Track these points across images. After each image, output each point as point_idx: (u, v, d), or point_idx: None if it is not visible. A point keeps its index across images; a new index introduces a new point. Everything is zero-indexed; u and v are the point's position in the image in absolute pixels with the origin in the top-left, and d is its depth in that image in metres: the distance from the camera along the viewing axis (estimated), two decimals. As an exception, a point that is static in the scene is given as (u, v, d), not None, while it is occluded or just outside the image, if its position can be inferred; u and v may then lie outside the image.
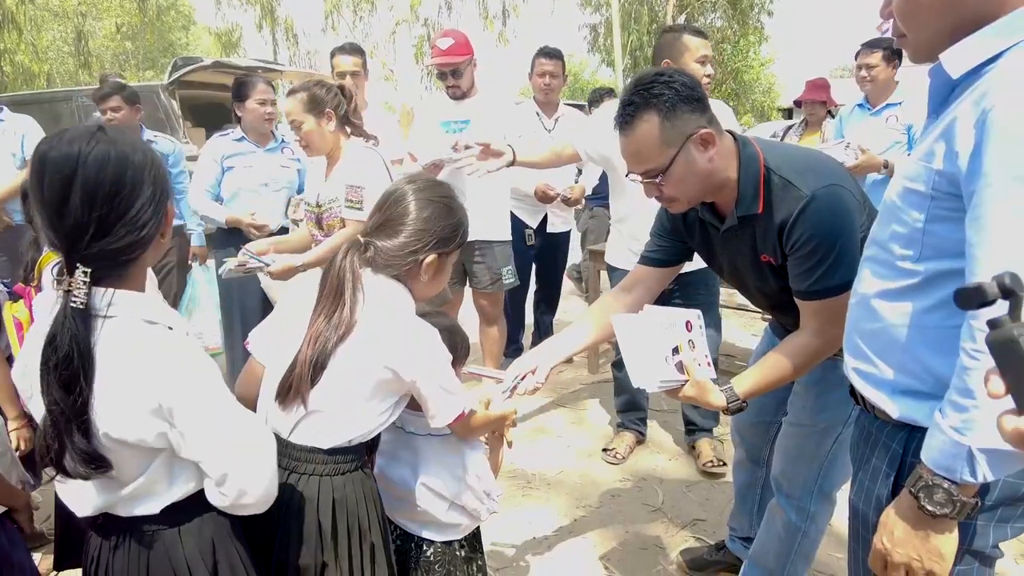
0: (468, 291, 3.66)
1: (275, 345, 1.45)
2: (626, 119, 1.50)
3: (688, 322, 1.60)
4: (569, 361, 4.40)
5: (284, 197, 3.48)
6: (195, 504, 1.17)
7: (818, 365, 1.71)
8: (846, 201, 1.47)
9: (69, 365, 1.00)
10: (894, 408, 1.12)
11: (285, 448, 1.39)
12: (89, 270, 1.02)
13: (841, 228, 1.46)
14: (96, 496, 1.13)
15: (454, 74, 3.28)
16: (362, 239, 1.44)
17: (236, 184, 3.37)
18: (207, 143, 3.51)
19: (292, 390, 1.34)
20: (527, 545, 2.54)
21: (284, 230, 3.39)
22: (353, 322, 1.34)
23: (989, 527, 1.08)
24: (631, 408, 3.27)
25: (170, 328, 1.11)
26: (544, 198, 3.84)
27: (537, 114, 3.98)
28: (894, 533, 1.06)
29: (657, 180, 1.52)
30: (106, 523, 1.16)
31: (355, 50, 3.68)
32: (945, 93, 1.04)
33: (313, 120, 2.51)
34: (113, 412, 1.04)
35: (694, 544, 2.52)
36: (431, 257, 1.43)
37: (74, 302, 1.01)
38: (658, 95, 1.45)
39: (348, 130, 2.62)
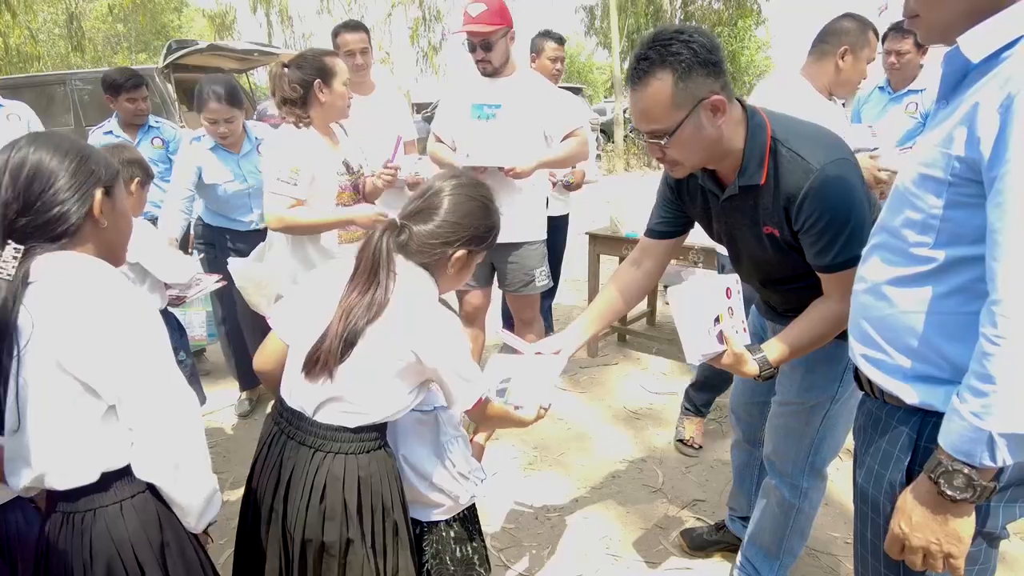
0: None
1: (299, 323, 1.47)
2: (639, 75, 1.45)
3: (728, 288, 1.62)
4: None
5: None
6: (137, 480, 1.23)
7: None
8: (852, 173, 1.48)
9: None
10: (911, 394, 1.13)
11: (311, 427, 1.42)
12: (21, 247, 1.17)
13: (852, 200, 1.47)
14: (34, 472, 1.19)
15: (484, 46, 2.86)
16: (399, 221, 1.47)
17: (223, 198, 3.24)
18: (183, 148, 3.35)
19: (320, 363, 1.37)
20: (529, 526, 2.58)
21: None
22: (385, 303, 1.36)
23: (1000, 508, 1.10)
24: (710, 403, 3.21)
25: (119, 278, 1.23)
26: None
27: None
28: (912, 518, 1.08)
29: (662, 142, 1.49)
30: (49, 504, 1.23)
31: (359, 27, 3.52)
32: (958, 78, 1.04)
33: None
34: (63, 352, 1.15)
35: (694, 524, 2.55)
36: (461, 252, 1.46)
37: (0, 273, 1.14)
38: (676, 54, 1.40)
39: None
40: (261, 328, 3.19)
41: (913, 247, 1.09)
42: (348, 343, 1.35)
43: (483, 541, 1.77)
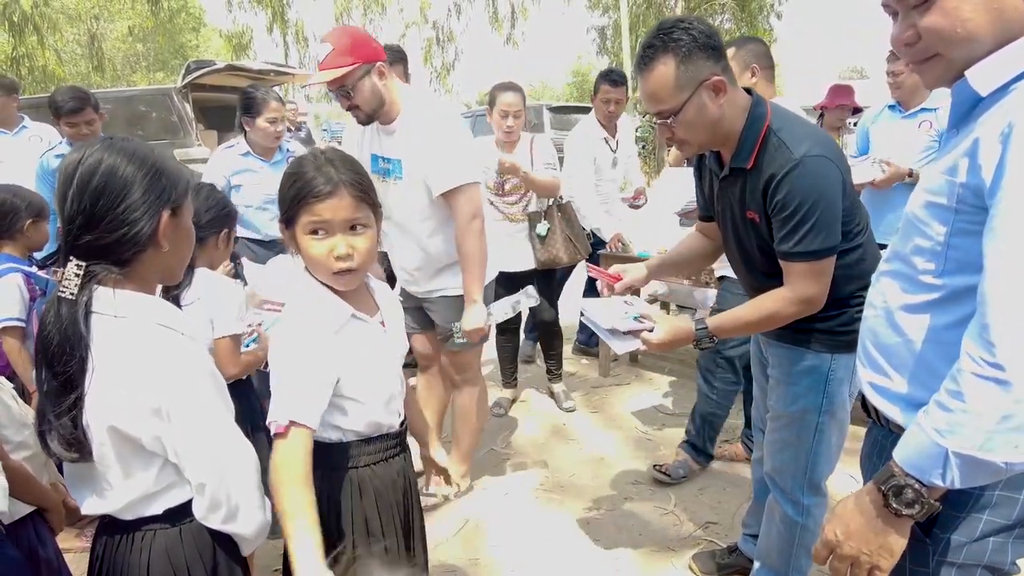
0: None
1: None
2: (645, 61, 1.60)
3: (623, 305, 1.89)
4: (584, 353, 4.44)
5: None
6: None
7: (786, 357, 1.84)
8: (832, 172, 1.57)
9: (49, 347, 1.08)
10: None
11: None
12: (83, 264, 1.09)
13: (822, 194, 1.55)
14: (99, 500, 1.17)
15: (343, 93, 2.31)
16: None
17: (245, 202, 3.29)
18: (212, 157, 3.42)
19: None
20: (539, 547, 2.57)
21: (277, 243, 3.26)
22: None
23: (1007, 544, 1.08)
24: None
25: (182, 335, 1.15)
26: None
27: (605, 139, 3.93)
28: (849, 526, 1.07)
29: (669, 121, 1.62)
30: (111, 522, 1.21)
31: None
32: (967, 109, 1.05)
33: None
34: (117, 407, 1.09)
35: (707, 547, 2.54)
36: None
37: (62, 292, 1.09)
38: (676, 40, 1.55)
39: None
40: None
41: (921, 274, 1.09)
42: None
43: None
